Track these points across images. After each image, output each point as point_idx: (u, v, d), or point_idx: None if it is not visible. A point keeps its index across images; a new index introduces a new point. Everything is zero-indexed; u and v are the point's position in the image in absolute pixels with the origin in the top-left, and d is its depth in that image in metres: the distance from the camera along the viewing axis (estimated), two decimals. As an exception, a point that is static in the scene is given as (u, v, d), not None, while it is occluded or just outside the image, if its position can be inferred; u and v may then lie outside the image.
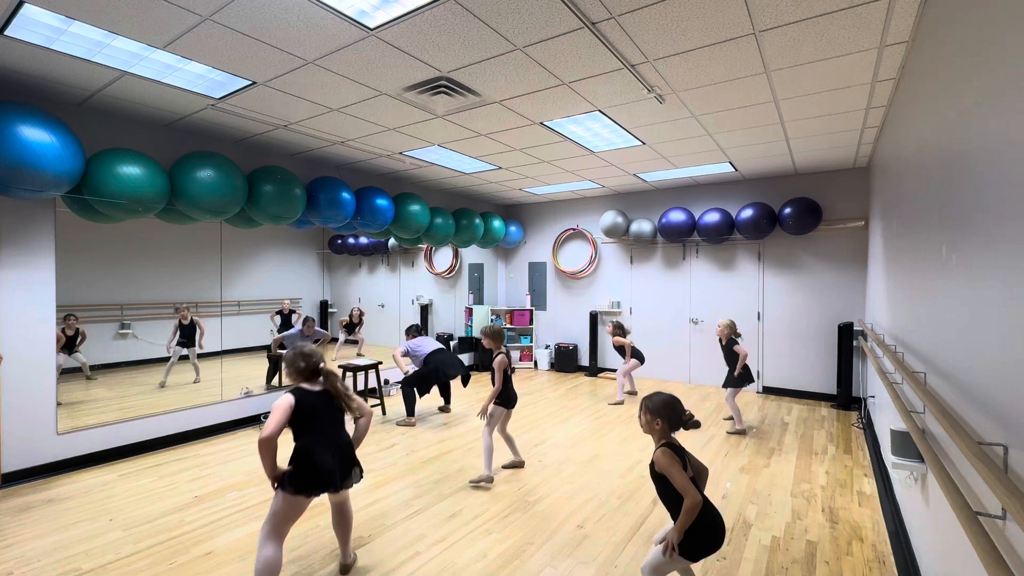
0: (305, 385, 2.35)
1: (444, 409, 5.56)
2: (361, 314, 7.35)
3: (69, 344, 4.42)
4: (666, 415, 2.05)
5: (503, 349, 3.70)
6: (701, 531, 1.92)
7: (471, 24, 2.62)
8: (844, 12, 2.49)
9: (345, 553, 2.54)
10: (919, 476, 2.40)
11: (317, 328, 5.93)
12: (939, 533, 1.96)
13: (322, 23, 2.61)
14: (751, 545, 2.78)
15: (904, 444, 2.29)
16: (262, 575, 2.11)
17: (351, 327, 7.33)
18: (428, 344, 5.29)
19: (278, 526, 2.20)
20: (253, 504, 3.25)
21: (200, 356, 5.48)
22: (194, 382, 5.28)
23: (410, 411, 5.07)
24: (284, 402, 2.22)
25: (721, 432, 4.79)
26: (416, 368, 5.17)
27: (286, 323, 6.33)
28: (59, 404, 3.78)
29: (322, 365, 2.40)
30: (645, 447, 4.37)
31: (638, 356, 6.01)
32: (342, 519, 2.51)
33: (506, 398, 3.63)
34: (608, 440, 4.58)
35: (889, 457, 2.53)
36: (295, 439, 2.31)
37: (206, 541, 2.79)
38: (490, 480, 3.54)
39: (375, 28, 2.67)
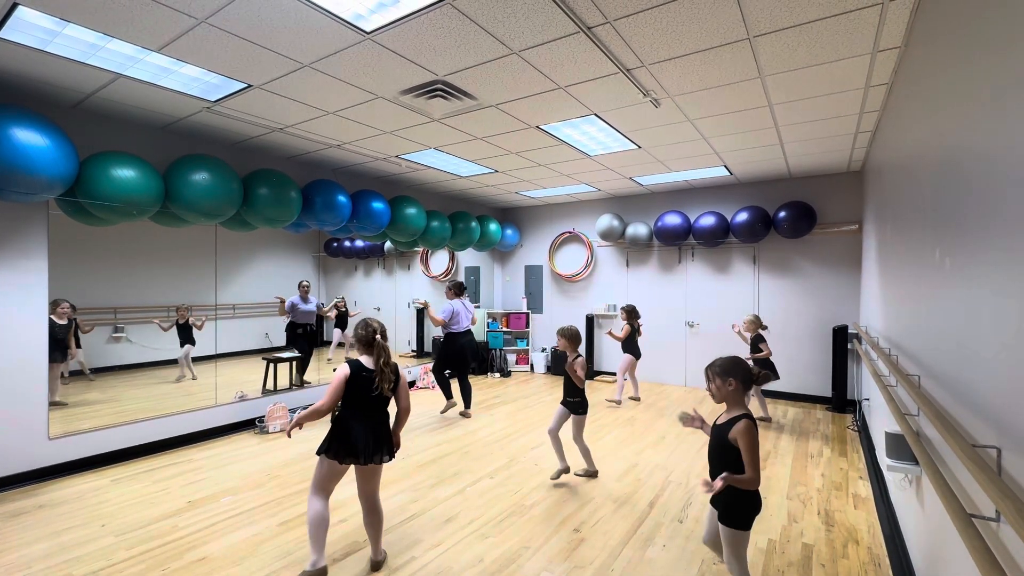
0: (364, 358, 2.48)
1: (464, 414, 5.48)
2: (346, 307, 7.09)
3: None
4: (738, 373, 2.00)
5: (580, 352, 3.61)
6: (750, 501, 2.00)
7: (467, 28, 2.63)
8: (837, 18, 2.52)
9: (376, 550, 2.58)
10: (914, 478, 2.41)
11: (311, 297, 6.05)
12: (934, 535, 1.97)
13: (318, 26, 2.61)
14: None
15: (899, 447, 2.30)
16: (310, 527, 2.41)
17: (343, 321, 7.00)
18: (465, 318, 5.48)
19: (317, 485, 2.44)
20: (247, 509, 3.22)
21: (196, 359, 5.45)
22: (178, 381, 5.36)
23: (448, 394, 5.43)
24: (339, 374, 2.39)
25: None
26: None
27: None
28: (61, 404, 3.74)
29: (377, 337, 2.48)
30: (641, 450, 4.37)
31: (634, 351, 5.96)
32: (373, 518, 2.56)
33: (587, 404, 3.61)
34: (604, 443, 4.58)
35: (884, 460, 2.54)
36: (338, 408, 2.46)
37: (200, 547, 2.77)
38: (567, 470, 3.61)
39: (371, 32, 2.67)
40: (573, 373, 3.49)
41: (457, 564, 2.61)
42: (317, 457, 2.46)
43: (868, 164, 5.05)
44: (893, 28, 2.60)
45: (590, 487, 3.59)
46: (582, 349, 7.84)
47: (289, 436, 2.40)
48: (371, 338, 2.46)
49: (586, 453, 3.68)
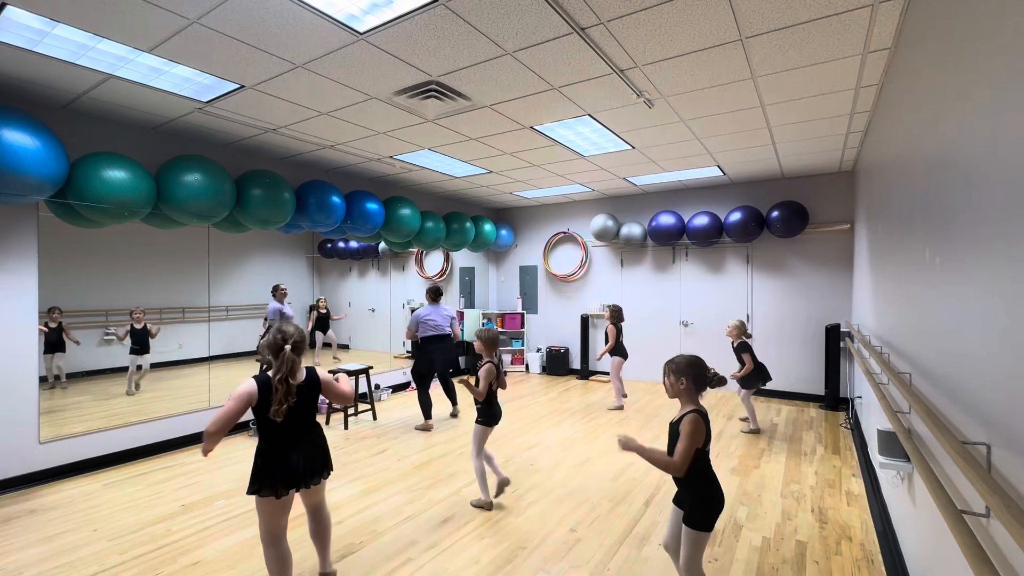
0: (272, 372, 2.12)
1: (453, 415, 5.50)
2: (327, 307, 6.96)
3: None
4: (691, 373, 2.04)
5: (494, 358, 3.26)
6: (713, 502, 1.99)
7: (461, 29, 2.63)
8: (828, 19, 2.54)
9: (324, 563, 2.42)
10: (906, 475, 2.43)
11: (287, 302, 5.87)
12: (925, 532, 1.99)
13: (311, 27, 2.60)
14: (742, 546, 2.79)
15: (891, 444, 2.32)
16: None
17: (323, 323, 6.92)
18: (436, 326, 5.19)
19: (268, 531, 2.15)
20: (241, 512, 3.21)
21: (189, 362, 5.41)
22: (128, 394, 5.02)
23: (427, 414, 5.09)
24: (242, 392, 2.03)
25: (714, 433, 4.81)
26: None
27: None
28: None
29: (286, 347, 2.08)
30: (636, 450, 4.38)
31: (622, 352, 5.84)
32: (319, 526, 2.38)
33: (489, 414, 3.24)
34: (600, 443, 4.59)
35: (876, 457, 2.56)
36: (259, 435, 2.15)
37: (194, 550, 2.75)
38: (489, 506, 3.23)
39: (365, 32, 2.67)
40: (476, 380, 3.19)
41: (454, 565, 2.60)
42: (252, 498, 2.12)
43: (859, 164, 5.09)
44: (883, 29, 2.63)
45: (587, 487, 3.60)
46: (576, 350, 7.88)
47: (205, 455, 2.02)
48: (279, 347, 2.08)
49: (489, 460, 3.32)
